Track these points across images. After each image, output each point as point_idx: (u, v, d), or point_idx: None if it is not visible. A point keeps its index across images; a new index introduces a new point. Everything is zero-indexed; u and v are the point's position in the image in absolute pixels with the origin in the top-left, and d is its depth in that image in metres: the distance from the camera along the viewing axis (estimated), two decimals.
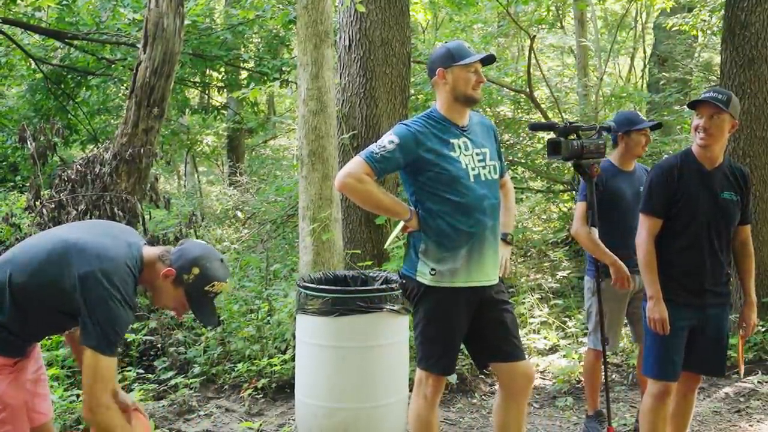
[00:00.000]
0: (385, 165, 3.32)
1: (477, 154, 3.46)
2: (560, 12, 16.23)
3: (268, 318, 5.86)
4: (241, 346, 5.56)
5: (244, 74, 12.52)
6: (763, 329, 6.04)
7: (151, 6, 7.07)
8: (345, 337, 4.18)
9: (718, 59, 16.32)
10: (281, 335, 5.62)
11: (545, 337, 6.29)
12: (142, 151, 6.77)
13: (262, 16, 9.40)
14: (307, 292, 4.24)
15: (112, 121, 12.63)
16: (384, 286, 4.30)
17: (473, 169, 3.41)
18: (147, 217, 6.93)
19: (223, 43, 11.06)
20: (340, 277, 4.69)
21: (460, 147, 3.42)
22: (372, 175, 3.32)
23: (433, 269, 3.39)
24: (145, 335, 5.63)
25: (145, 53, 7.02)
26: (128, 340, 5.44)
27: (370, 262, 6.05)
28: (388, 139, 3.35)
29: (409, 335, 4.39)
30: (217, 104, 13.52)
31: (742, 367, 4.06)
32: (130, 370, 5.11)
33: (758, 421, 4.93)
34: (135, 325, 5.68)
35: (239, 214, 10.42)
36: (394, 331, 4.27)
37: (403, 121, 3.49)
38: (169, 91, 7.14)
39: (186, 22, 9.93)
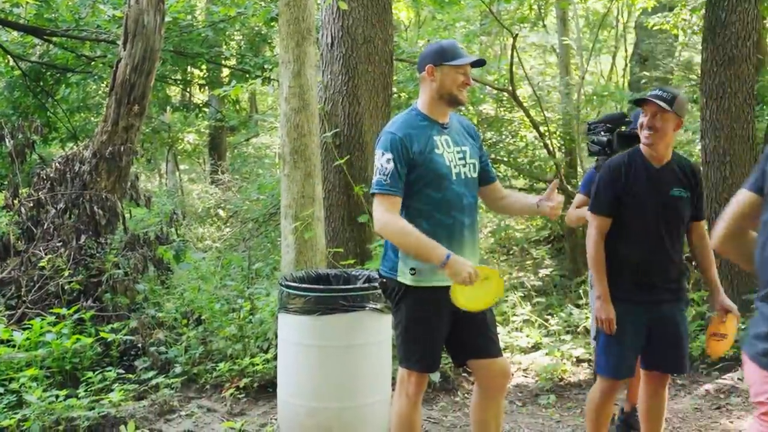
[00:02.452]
0: (397, 182, 3.32)
1: (458, 152, 3.46)
2: (542, 11, 16.27)
3: (250, 317, 5.82)
4: (222, 345, 5.52)
5: (226, 72, 12.46)
6: (743, 327, 6.07)
7: (131, 3, 7.02)
8: (327, 336, 4.16)
9: (698, 58, 16.40)
10: (263, 334, 5.58)
11: (528, 335, 6.30)
12: (122, 149, 6.73)
13: (243, 14, 9.34)
14: (289, 290, 4.21)
15: (92, 118, 12.51)
16: (366, 285, 4.29)
17: (455, 167, 3.42)
18: (127, 215, 6.87)
19: (204, 40, 11.00)
20: (322, 275, 4.66)
21: (442, 144, 3.42)
22: (396, 200, 3.32)
23: (413, 268, 3.38)
24: (125, 335, 5.57)
25: (125, 50, 6.97)
26: (108, 340, 5.39)
27: (352, 261, 6.03)
28: (384, 159, 3.34)
29: (392, 334, 4.37)
30: (199, 102, 13.44)
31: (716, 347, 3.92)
32: (110, 370, 5.06)
33: (738, 418, 4.96)
34: (115, 325, 5.64)
35: (221, 212, 10.37)
36: (377, 330, 4.25)
37: (387, 128, 3.45)
38: (149, 89, 7.09)
39: (167, 19, 9.87)
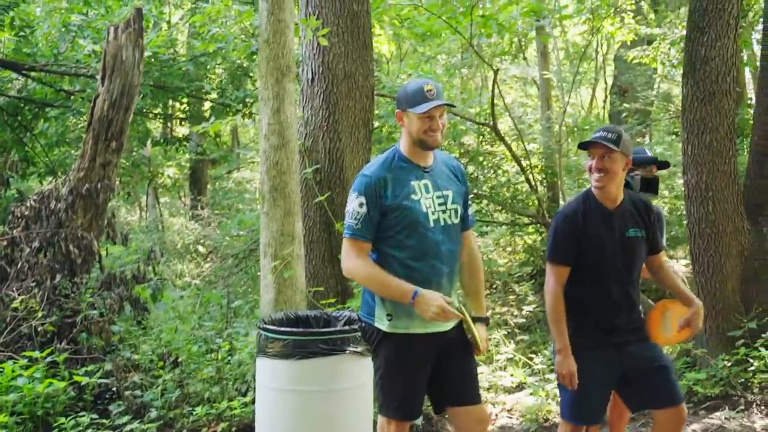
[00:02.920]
0: (367, 227, 3.27)
1: (438, 197, 3.36)
2: (523, 44, 16.39)
3: (229, 358, 5.70)
4: (200, 388, 5.39)
5: (207, 105, 12.39)
6: (729, 363, 6.01)
7: (110, 38, 6.94)
8: (306, 381, 4.03)
9: (676, 90, 16.64)
10: (242, 376, 5.46)
11: (512, 374, 6.20)
12: (99, 186, 6.61)
13: (223, 48, 9.29)
14: (268, 334, 4.10)
15: (72, 152, 12.40)
16: (346, 327, 4.18)
17: (433, 213, 3.33)
18: (104, 253, 6.74)
19: (185, 74, 10.94)
20: (302, 317, 4.55)
21: (421, 189, 3.33)
22: (365, 246, 3.28)
23: (389, 314, 3.32)
24: (100, 378, 5.43)
25: (103, 86, 6.88)
26: (82, 383, 5.24)
27: (333, 299, 5.93)
28: (356, 203, 3.29)
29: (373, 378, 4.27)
30: (179, 136, 13.36)
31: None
32: (83, 416, 4.91)
33: None
34: (89, 368, 5.49)
35: (200, 248, 10.25)
36: (357, 374, 4.13)
37: (363, 170, 3.40)
38: (127, 125, 7.00)
39: (147, 53, 9.83)
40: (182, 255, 10.40)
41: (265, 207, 5.38)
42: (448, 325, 3.36)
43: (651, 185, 4.15)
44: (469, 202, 3.65)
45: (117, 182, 6.98)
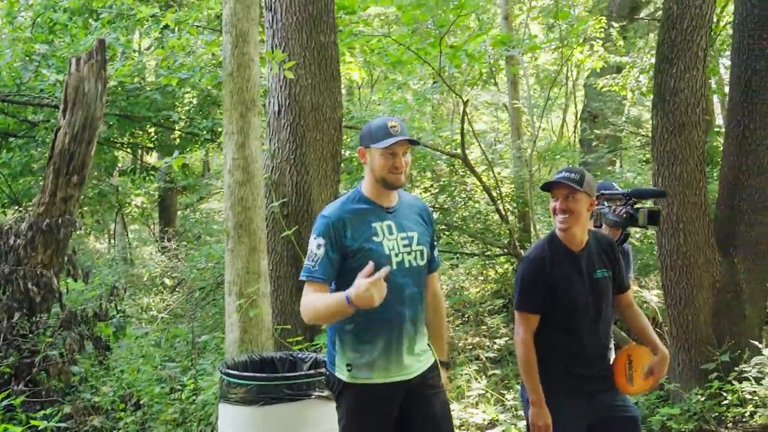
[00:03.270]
0: (324, 268, 3.14)
1: (402, 239, 3.26)
2: (494, 70, 16.41)
3: (194, 398, 5.53)
4: (162, 431, 5.22)
5: (177, 134, 12.23)
6: (703, 397, 5.94)
7: (72, 70, 6.80)
8: (270, 428, 3.90)
9: (647, 115, 16.73)
10: (207, 417, 5.30)
11: (484, 411, 6.08)
12: (60, 221, 6.45)
13: (188, 78, 9.17)
14: (230, 379, 3.96)
15: (38, 181, 12.17)
16: (312, 372, 4.06)
17: (397, 255, 3.22)
18: (65, 290, 6.55)
19: (152, 103, 10.79)
20: (266, 359, 4.42)
21: (383, 230, 3.23)
22: (323, 288, 3.14)
23: (349, 364, 3.22)
24: (58, 421, 5.23)
25: (64, 119, 6.74)
26: (39, 428, 5.04)
27: (300, 337, 5.78)
28: (314, 244, 3.18)
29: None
30: (147, 165, 13.15)
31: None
32: None
33: None
34: (48, 411, 5.30)
35: (167, 281, 10.05)
36: (323, 419, 3.99)
37: (323, 211, 3.29)
38: (90, 158, 6.84)
39: (113, 82, 9.69)
40: (148, 288, 10.21)
41: (229, 244, 5.25)
42: (413, 373, 3.26)
43: (654, 217, 4.08)
44: (435, 243, 3.54)
45: (79, 216, 6.79)
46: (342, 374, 3.24)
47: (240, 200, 5.20)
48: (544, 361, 3.50)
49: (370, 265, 2.93)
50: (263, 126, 6.58)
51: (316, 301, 3.08)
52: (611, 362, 3.69)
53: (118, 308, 6.55)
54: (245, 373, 4.01)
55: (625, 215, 4.12)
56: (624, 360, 3.66)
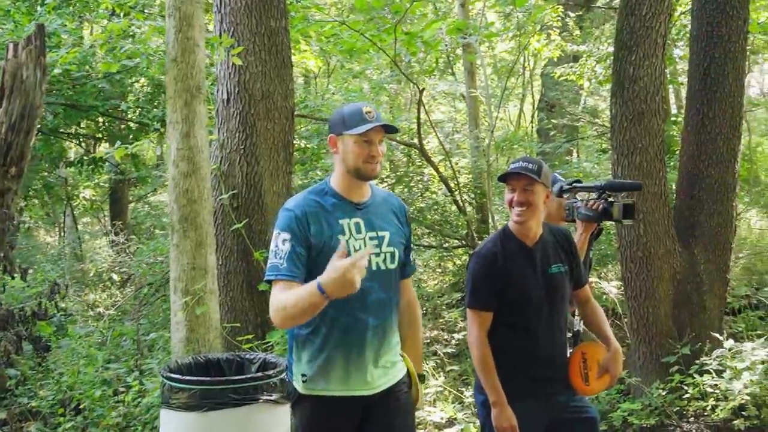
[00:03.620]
0: (294, 264, 2.85)
1: (371, 238, 2.98)
2: (450, 60, 16.26)
3: (139, 400, 5.27)
4: None
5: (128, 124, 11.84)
6: (664, 391, 5.85)
7: (9, 56, 6.44)
8: None
9: (603, 105, 16.74)
10: (152, 421, 5.05)
11: (442, 410, 5.91)
12: None
13: (139, 65, 8.83)
14: (171, 383, 3.72)
15: None
16: (260, 374, 3.83)
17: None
18: (1, 288, 6.22)
19: (100, 92, 10.42)
20: (212, 361, 4.16)
21: (350, 228, 2.95)
22: (292, 285, 2.83)
23: (304, 374, 2.98)
24: None
25: (1, 107, 6.38)
26: None
27: (251, 336, 5.55)
28: (280, 239, 2.90)
29: (291, 425, 3.93)
30: (97, 155, 12.73)
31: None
32: None
33: None
34: None
35: (114, 276, 9.72)
36: (273, 424, 3.74)
37: (286, 204, 3.02)
38: (29, 149, 6.47)
39: (57, 70, 9.32)
40: (95, 284, 9.87)
41: (174, 239, 4.99)
42: (377, 388, 2.99)
43: (629, 211, 3.91)
44: (411, 246, 3.26)
45: (18, 211, 6.46)
46: (298, 384, 3.02)
47: (185, 192, 4.95)
48: (499, 363, 3.32)
49: (342, 243, 2.70)
50: (211, 115, 6.33)
51: (286, 297, 2.79)
52: (566, 361, 3.53)
53: (59, 306, 6.23)
54: (187, 377, 3.76)
55: (599, 209, 3.93)
56: (578, 359, 3.50)
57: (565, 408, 3.39)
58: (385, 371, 3.01)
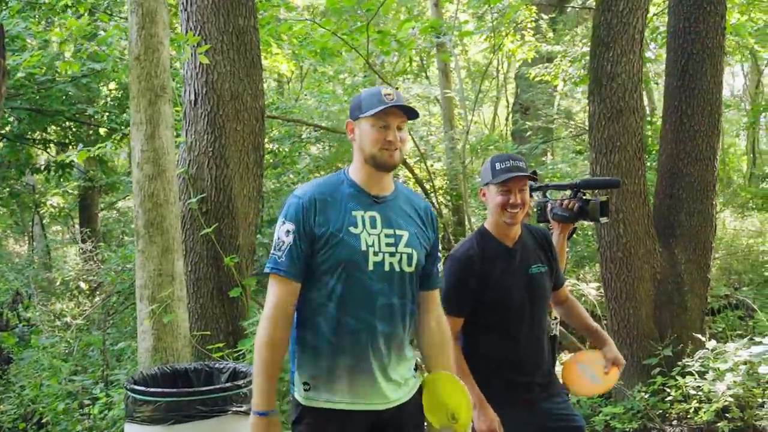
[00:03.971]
0: (292, 261, 2.62)
1: (387, 236, 2.67)
2: (424, 62, 16.16)
3: (105, 413, 5.06)
4: None
5: (99, 130, 11.56)
6: (646, 394, 5.72)
7: None
8: None
9: (577, 107, 16.73)
10: None
11: None
12: None
13: (96, 70, 8.59)
14: (136, 395, 3.53)
15: None
16: (229, 384, 3.65)
17: (376, 254, 2.64)
18: None
19: (66, 97, 10.16)
20: (179, 371, 4.01)
21: (364, 221, 2.65)
22: (290, 285, 2.62)
23: (306, 382, 2.66)
24: None
25: None
26: None
27: (222, 344, 5.35)
28: (282, 231, 2.65)
29: None
30: (58, 159, 12.42)
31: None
32: None
33: None
34: None
35: (82, 284, 9.46)
36: None
37: (295, 190, 2.76)
38: None
39: (21, 74, 9.05)
40: (62, 293, 9.60)
41: (140, 244, 4.80)
42: (388, 403, 2.67)
43: (605, 209, 3.76)
44: (438, 255, 2.91)
45: None
46: (299, 395, 2.69)
47: (150, 196, 4.75)
48: (479, 370, 3.15)
49: None
50: (178, 117, 6.13)
51: (262, 356, 2.59)
52: (556, 371, 3.38)
53: (22, 316, 6.00)
54: (152, 389, 3.57)
55: (575, 208, 3.75)
56: (574, 367, 3.35)
57: (551, 416, 3.24)
58: (398, 385, 2.70)
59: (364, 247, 2.62)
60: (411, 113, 2.70)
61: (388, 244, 2.66)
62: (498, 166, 3.18)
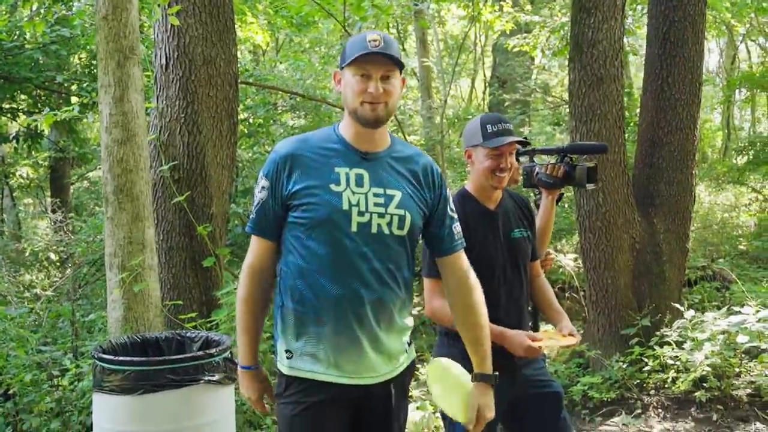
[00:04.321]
0: (263, 221, 2.50)
1: (376, 195, 2.44)
2: (402, 34, 16.00)
3: (76, 384, 4.93)
4: (36, 423, 4.62)
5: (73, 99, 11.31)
6: (624, 364, 5.70)
7: None
8: (151, 420, 3.36)
9: (554, 81, 16.68)
10: (88, 406, 4.71)
11: None
12: None
13: (66, 35, 8.37)
14: (103, 364, 3.41)
15: None
16: (201, 353, 3.54)
17: (361, 214, 2.41)
18: None
19: (34, 64, 9.91)
20: (150, 340, 3.88)
21: (348, 179, 2.43)
22: (265, 246, 2.54)
23: (288, 350, 2.50)
24: None
25: None
26: None
27: (194, 314, 5.23)
28: (259, 186, 2.51)
29: (235, 409, 3.66)
30: (32, 131, 12.16)
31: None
32: None
33: None
34: None
35: (52, 255, 9.28)
36: (215, 407, 3.50)
37: (277, 144, 2.56)
38: None
39: None
40: (32, 264, 9.41)
41: (109, 211, 4.65)
42: (377, 377, 2.48)
43: (592, 175, 3.66)
44: (451, 215, 2.64)
45: None
46: (281, 364, 2.52)
47: (119, 162, 4.61)
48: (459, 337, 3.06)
49: None
50: (149, 83, 5.96)
51: (240, 313, 2.60)
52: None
53: None
54: (120, 357, 3.45)
55: (560, 174, 3.64)
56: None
57: (530, 382, 3.17)
58: (389, 357, 2.51)
59: (346, 206, 2.40)
60: (397, 62, 2.43)
61: (377, 204, 2.44)
62: (489, 128, 3.06)
